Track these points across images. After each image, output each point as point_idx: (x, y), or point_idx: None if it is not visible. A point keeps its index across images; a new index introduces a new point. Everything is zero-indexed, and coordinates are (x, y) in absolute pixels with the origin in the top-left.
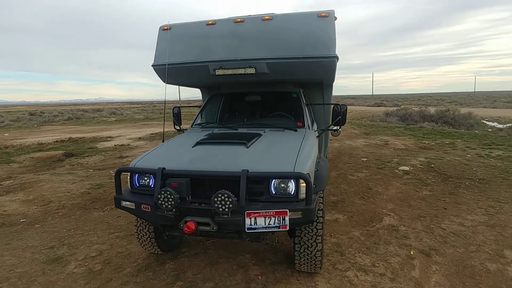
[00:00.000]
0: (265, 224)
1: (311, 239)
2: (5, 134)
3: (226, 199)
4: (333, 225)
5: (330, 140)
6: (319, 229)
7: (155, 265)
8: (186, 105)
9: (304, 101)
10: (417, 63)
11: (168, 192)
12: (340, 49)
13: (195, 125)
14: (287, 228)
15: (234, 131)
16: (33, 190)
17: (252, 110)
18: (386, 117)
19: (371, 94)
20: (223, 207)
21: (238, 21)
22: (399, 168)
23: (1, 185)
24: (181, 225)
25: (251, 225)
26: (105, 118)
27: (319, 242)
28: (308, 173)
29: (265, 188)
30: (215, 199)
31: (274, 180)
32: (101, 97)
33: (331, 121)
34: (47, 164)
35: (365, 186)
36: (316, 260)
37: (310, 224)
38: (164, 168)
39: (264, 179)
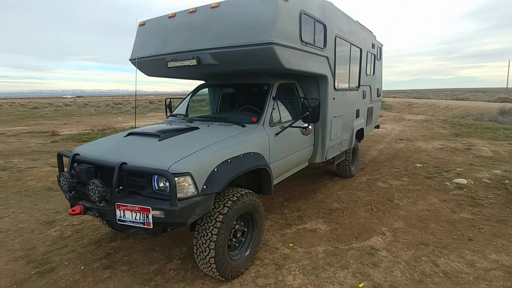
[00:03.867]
0: (132, 218)
1: (204, 243)
2: (118, 119)
3: (95, 188)
4: (306, 235)
5: (400, 139)
6: (214, 234)
7: (104, 242)
8: (177, 97)
9: (299, 94)
10: None
11: (63, 176)
12: (466, 33)
13: (170, 116)
14: (151, 226)
15: (186, 124)
16: None
17: (227, 102)
18: (500, 116)
19: (505, 87)
20: (94, 195)
21: (191, 11)
22: (454, 180)
23: None
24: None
25: (120, 217)
26: None
27: (212, 249)
28: (188, 172)
29: (147, 183)
30: (88, 187)
31: (156, 175)
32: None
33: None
34: None
35: (388, 197)
36: (211, 267)
37: (205, 228)
38: (76, 154)
39: (143, 173)
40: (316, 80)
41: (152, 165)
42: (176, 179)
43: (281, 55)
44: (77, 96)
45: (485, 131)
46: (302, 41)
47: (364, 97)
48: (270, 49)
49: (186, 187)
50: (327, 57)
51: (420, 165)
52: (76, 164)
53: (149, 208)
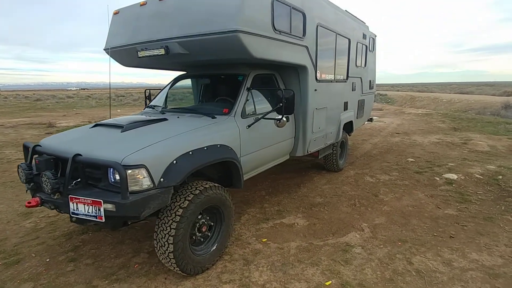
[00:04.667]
0: (84, 211)
1: (163, 238)
2: (117, 111)
3: (47, 180)
4: (282, 230)
5: (397, 133)
6: (173, 228)
7: (76, 234)
8: (155, 88)
9: (279, 86)
10: None
11: (20, 167)
12: (477, 24)
13: (146, 107)
14: (103, 220)
15: (156, 115)
16: None
17: (208, 93)
18: (503, 110)
19: None
20: (46, 188)
21: None
22: (444, 175)
23: None
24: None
25: (74, 210)
26: None
27: (171, 243)
28: (143, 164)
29: (103, 175)
30: (40, 179)
31: (111, 168)
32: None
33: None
34: None
35: (373, 192)
36: (171, 262)
37: (164, 222)
38: (37, 145)
39: (96, 165)
40: (297, 71)
41: (106, 157)
42: (129, 171)
43: (248, 44)
44: (82, 89)
45: (485, 125)
46: (275, 29)
47: (353, 89)
48: (236, 37)
49: (141, 180)
50: (306, 47)
51: (412, 160)
52: (37, 155)
53: (101, 201)
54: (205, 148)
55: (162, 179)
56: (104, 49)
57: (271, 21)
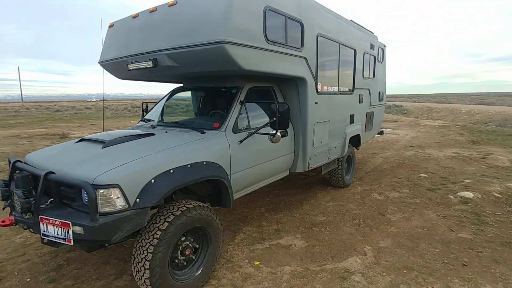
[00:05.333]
0: (54, 233)
1: (140, 262)
2: (130, 122)
3: (17, 198)
4: (278, 252)
5: (411, 146)
6: (149, 252)
7: (62, 251)
8: (153, 101)
9: (277, 98)
10: None
11: None
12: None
13: (140, 121)
14: (71, 243)
15: (144, 130)
16: None
17: (204, 106)
18: None
19: None
20: (17, 206)
21: (151, 11)
22: (459, 193)
23: None
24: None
25: (44, 231)
26: None
27: (147, 269)
28: (116, 184)
29: (77, 194)
30: (13, 197)
31: (81, 187)
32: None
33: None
34: None
35: (380, 211)
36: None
37: (142, 245)
38: (17, 161)
39: (66, 184)
40: (296, 83)
41: (78, 175)
42: (101, 191)
43: (236, 55)
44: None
45: (506, 138)
46: (268, 40)
47: (360, 101)
48: (222, 49)
49: (114, 200)
50: (305, 58)
51: (425, 175)
52: (17, 171)
53: (69, 223)
54: (189, 166)
55: (138, 200)
56: (98, 62)
57: (263, 31)
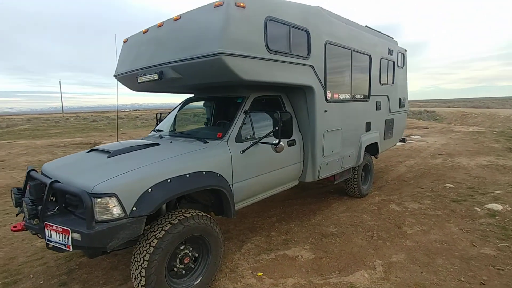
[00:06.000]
0: (56, 239)
1: (136, 270)
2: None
3: (25, 205)
4: (283, 263)
5: (439, 154)
6: (145, 260)
7: (76, 256)
8: (166, 111)
9: (285, 107)
10: None
11: (12, 191)
12: None
13: (152, 131)
14: (71, 249)
15: (151, 140)
16: None
17: (215, 116)
18: None
19: None
20: (26, 213)
21: (159, 26)
22: (487, 205)
23: None
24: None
25: (48, 237)
26: None
27: (143, 276)
28: (113, 192)
29: (80, 202)
30: (22, 204)
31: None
32: None
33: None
34: None
35: (397, 223)
36: None
37: (139, 253)
38: (32, 170)
39: (67, 192)
40: (304, 92)
41: (79, 184)
42: (99, 199)
43: (235, 66)
44: (134, 110)
45: None
46: (270, 50)
47: (378, 108)
48: (219, 60)
49: (111, 209)
50: (312, 66)
51: (451, 186)
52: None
53: (69, 230)
54: (187, 176)
55: (134, 208)
56: (114, 76)
57: (265, 42)
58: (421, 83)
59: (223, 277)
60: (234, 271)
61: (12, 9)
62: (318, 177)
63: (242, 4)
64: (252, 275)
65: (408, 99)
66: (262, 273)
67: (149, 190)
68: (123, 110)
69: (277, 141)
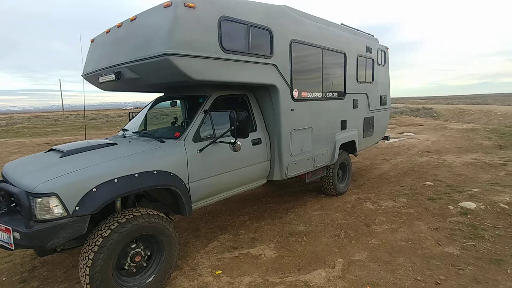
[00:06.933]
0: (2, 237)
1: (82, 268)
2: None
3: None
4: (245, 261)
5: (428, 152)
6: (90, 259)
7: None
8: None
9: (251, 106)
10: None
11: None
12: None
13: (121, 130)
14: (13, 248)
15: (111, 140)
16: None
17: (183, 115)
18: None
19: None
20: None
21: (118, 26)
22: (460, 203)
23: None
24: None
25: None
26: None
27: (87, 275)
28: (53, 192)
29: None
30: None
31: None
32: None
33: None
34: None
35: (367, 221)
36: None
37: (85, 252)
38: None
39: (8, 192)
40: (269, 91)
41: (23, 184)
42: (39, 199)
43: (184, 66)
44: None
45: None
46: (225, 50)
47: (355, 106)
48: (167, 61)
49: (52, 208)
50: (275, 65)
51: (431, 184)
52: None
53: (10, 229)
54: (136, 175)
55: (77, 208)
56: (81, 76)
57: (219, 42)
58: (425, 80)
59: (181, 275)
60: (194, 269)
61: (15, 9)
62: (286, 176)
63: (191, 5)
64: (210, 273)
65: (411, 96)
66: (220, 271)
67: (94, 189)
68: (125, 108)
69: (233, 140)
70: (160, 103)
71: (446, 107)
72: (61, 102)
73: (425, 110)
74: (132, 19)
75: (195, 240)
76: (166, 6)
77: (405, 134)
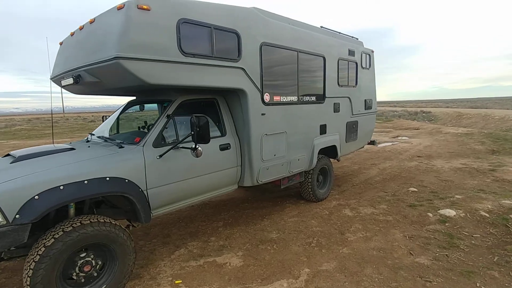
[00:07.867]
0: None
1: (24, 278)
2: None
3: None
4: (208, 271)
5: (418, 156)
6: (31, 269)
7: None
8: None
9: (221, 111)
10: None
11: None
12: None
13: (90, 134)
14: None
15: (78, 144)
16: None
17: (146, 120)
18: None
19: None
20: None
21: (80, 28)
22: (440, 211)
23: None
24: None
25: None
26: None
27: (28, 285)
28: None
29: None
30: None
31: None
32: None
33: None
34: None
35: (342, 229)
36: None
37: (27, 261)
38: None
39: None
40: (238, 95)
41: None
42: None
43: (137, 70)
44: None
45: None
46: (185, 53)
47: (336, 110)
48: (118, 64)
49: None
50: (242, 69)
51: (415, 190)
52: None
53: None
54: (85, 182)
55: (17, 216)
56: (50, 78)
57: (177, 45)
58: (427, 84)
59: (139, 285)
60: (154, 278)
61: (17, 13)
62: (258, 182)
63: (145, 7)
64: (170, 283)
65: (412, 99)
66: (180, 281)
67: (36, 197)
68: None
69: (193, 146)
70: (133, 107)
71: (444, 110)
72: (61, 104)
73: (423, 114)
74: (91, 21)
75: (163, 247)
76: (119, 8)
77: (399, 138)
